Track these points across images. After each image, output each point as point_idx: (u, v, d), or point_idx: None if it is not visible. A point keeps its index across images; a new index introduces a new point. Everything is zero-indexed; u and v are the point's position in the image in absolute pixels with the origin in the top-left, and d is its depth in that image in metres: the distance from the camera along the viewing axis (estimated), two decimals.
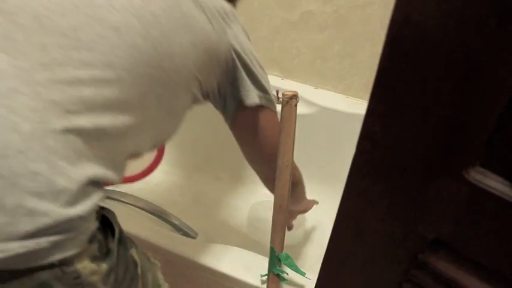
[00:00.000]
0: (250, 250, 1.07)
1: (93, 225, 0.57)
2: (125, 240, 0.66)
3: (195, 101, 0.77)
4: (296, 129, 1.51)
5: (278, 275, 0.94)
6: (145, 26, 0.60)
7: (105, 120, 0.56)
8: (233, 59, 0.77)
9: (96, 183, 0.57)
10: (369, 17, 1.36)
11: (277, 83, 1.61)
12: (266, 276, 0.96)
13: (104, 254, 0.59)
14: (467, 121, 0.33)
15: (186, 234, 1.11)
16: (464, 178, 0.36)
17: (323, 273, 0.58)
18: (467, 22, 0.29)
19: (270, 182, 0.92)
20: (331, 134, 1.53)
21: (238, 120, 0.86)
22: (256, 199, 1.47)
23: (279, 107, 0.83)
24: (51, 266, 0.52)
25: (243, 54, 0.78)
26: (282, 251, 0.93)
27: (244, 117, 0.85)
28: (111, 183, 0.61)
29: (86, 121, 0.54)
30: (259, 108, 0.82)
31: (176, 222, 1.12)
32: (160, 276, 0.80)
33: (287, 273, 0.96)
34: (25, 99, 0.49)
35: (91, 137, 0.55)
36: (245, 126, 0.87)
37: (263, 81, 0.82)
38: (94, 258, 0.57)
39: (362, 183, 0.44)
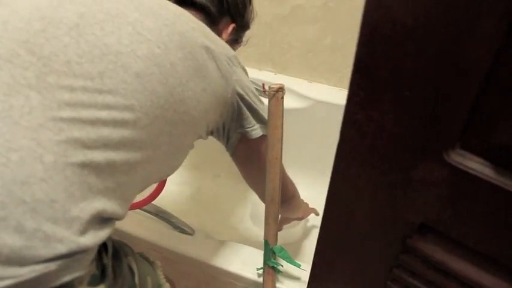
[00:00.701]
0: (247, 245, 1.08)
1: (96, 248, 0.60)
2: (118, 253, 0.68)
3: (199, 138, 0.81)
4: (291, 123, 1.52)
5: (273, 268, 0.94)
6: (164, 74, 0.65)
7: (118, 156, 0.60)
8: (237, 101, 0.83)
9: (106, 219, 0.60)
10: (358, 8, 1.36)
11: (270, 78, 1.61)
12: (262, 270, 0.97)
13: (100, 271, 0.61)
14: (445, 104, 0.33)
15: (183, 231, 1.11)
16: (445, 161, 0.36)
17: (317, 259, 0.59)
18: (439, 4, 0.29)
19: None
20: (326, 127, 1.53)
21: (241, 151, 0.91)
22: (254, 196, 1.47)
23: (266, 100, 0.86)
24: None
25: (246, 96, 0.83)
26: (275, 244, 0.94)
27: (246, 147, 0.90)
28: (118, 219, 0.64)
29: (100, 156, 0.58)
30: (260, 138, 0.87)
31: (173, 220, 1.13)
32: (161, 275, 0.82)
33: (282, 265, 0.96)
34: (50, 134, 0.54)
35: (104, 172, 0.58)
36: (247, 155, 0.93)
37: (263, 114, 0.88)
38: (92, 278, 0.59)
39: (348, 170, 0.44)
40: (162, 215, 1.12)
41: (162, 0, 0.76)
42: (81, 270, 0.56)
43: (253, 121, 0.86)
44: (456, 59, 0.31)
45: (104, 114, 0.58)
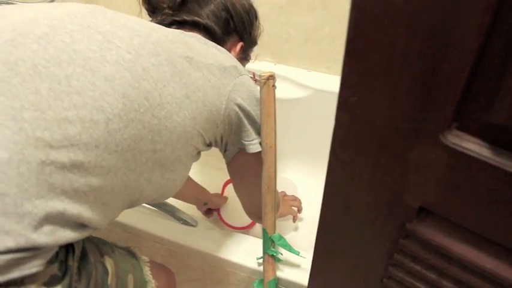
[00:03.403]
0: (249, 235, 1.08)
1: (55, 249, 0.60)
2: (87, 255, 0.67)
3: (197, 150, 0.81)
4: (291, 113, 1.52)
5: (273, 256, 0.95)
6: (136, 78, 0.65)
7: (88, 157, 0.59)
8: (236, 112, 0.82)
9: (70, 221, 0.59)
10: None
11: (270, 68, 1.60)
12: (262, 259, 0.97)
13: (63, 272, 0.61)
14: (438, 85, 0.33)
15: (186, 223, 1.11)
16: (442, 142, 0.36)
17: (317, 248, 0.59)
18: None
19: (253, 214, 1.01)
20: (326, 116, 1.52)
21: (236, 163, 0.92)
22: None
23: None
24: (8, 284, 0.54)
25: (247, 107, 0.82)
26: (274, 232, 0.94)
27: (242, 161, 0.91)
28: (90, 223, 0.62)
29: (65, 157, 0.57)
30: (257, 152, 0.87)
31: (176, 212, 1.13)
32: (147, 272, 0.81)
33: (281, 254, 0.97)
34: (9, 132, 0.54)
35: (71, 173, 0.58)
36: (242, 168, 0.94)
37: None
38: (51, 279, 0.59)
39: (344, 155, 0.44)
40: (165, 207, 1.12)
41: (140, 19, 0.77)
42: (32, 268, 0.55)
43: (253, 134, 0.85)
44: (447, 37, 0.30)
45: (70, 114, 0.58)
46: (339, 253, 0.57)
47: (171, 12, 0.92)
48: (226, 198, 1.50)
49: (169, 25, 0.91)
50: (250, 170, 0.93)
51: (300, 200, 1.39)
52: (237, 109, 0.82)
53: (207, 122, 0.77)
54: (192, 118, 0.74)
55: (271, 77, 0.80)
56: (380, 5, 0.31)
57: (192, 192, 1.33)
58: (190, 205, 1.40)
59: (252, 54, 1.10)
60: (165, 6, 0.92)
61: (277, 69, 1.59)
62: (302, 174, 1.65)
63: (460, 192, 0.39)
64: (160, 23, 0.90)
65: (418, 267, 0.48)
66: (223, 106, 0.79)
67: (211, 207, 1.45)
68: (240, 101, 0.81)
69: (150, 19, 0.95)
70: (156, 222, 1.11)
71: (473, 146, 0.35)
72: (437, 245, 0.44)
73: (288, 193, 1.41)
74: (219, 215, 1.46)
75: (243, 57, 1.05)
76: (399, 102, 0.35)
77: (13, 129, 0.54)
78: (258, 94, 0.83)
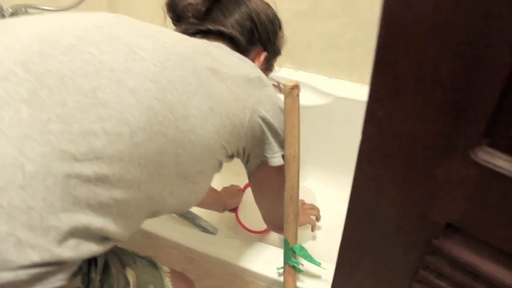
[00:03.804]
0: (269, 244, 1.07)
1: (79, 262, 0.59)
2: (109, 266, 0.67)
3: (219, 162, 0.81)
4: (311, 120, 1.51)
5: (294, 267, 0.94)
6: (161, 90, 0.65)
7: (112, 170, 0.59)
8: (260, 124, 0.82)
9: (95, 235, 0.59)
10: (378, 2, 1.34)
11: (290, 75, 1.60)
12: (282, 269, 0.96)
13: (86, 285, 0.61)
14: (469, 100, 0.32)
15: (205, 230, 1.12)
16: (472, 159, 0.35)
17: (340, 260, 0.58)
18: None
19: (273, 225, 1.02)
20: (347, 124, 1.52)
21: (258, 175, 0.92)
22: None
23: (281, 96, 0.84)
24: None
25: (270, 119, 0.82)
26: (295, 243, 0.93)
27: (264, 173, 0.90)
28: (114, 236, 0.62)
29: (90, 170, 0.57)
30: (280, 166, 0.87)
31: (196, 219, 1.13)
32: (167, 282, 0.82)
33: (302, 265, 0.96)
34: (36, 145, 0.54)
35: (96, 186, 0.58)
36: (263, 181, 0.94)
37: None
38: None
39: (370, 169, 0.43)
40: (185, 214, 1.12)
41: (165, 29, 0.77)
42: (56, 283, 0.55)
43: (276, 147, 0.85)
44: (480, 51, 0.29)
45: (95, 126, 0.58)
46: (361, 267, 0.57)
47: (195, 21, 0.92)
48: (241, 196, 1.48)
49: (193, 34, 0.91)
50: (271, 183, 0.92)
51: (318, 208, 1.38)
52: (261, 121, 0.81)
53: (230, 135, 0.77)
54: (216, 131, 0.73)
55: (296, 86, 0.79)
56: (410, 17, 0.30)
57: (210, 199, 1.33)
58: (210, 212, 1.40)
59: (275, 64, 1.10)
60: (189, 15, 0.92)
61: (298, 75, 1.59)
62: (320, 183, 1.64)
63: (489, 210, 0.37)
64: (184, 32, 0.91)
65: (443, 284, 0.47)
66: (247, 119, 0.79)
67: (228, 208, 1.45)
68: (264, 113, 0.81)
69: (174, 28, 0.95)
70: (176, 229, 1.12)
71: (504, 164, 0.34)
72: (464, 262, 0.43)
73: (307, 201, 1.40)
74: (237, 217, 1.46)
75: (267, 67, 1.04)
76: (428, 116, 0.35)
77: (40, 141, 0.54)
78: (281, 105, 0.83)
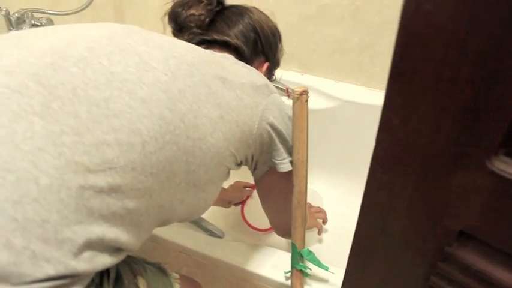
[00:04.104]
0: (274, 243, 1.07)
1: (92, 274, 0.59)
2: (121, 277, 0.67)
3: (228, 170, 0.81)
4: (318, 124, 1.51)
5: (301, 271, 0.94)
6: (172, 100, 0.66)
7: (124, 180, 0.59)
8: (268, 131, 0.82)
9: (108, 246, 0.59)
10: (386, 6, 1.34)
11: (297, 78, 1.60)
12: (290, 273, 0.96)
13: None
14: (487, 110, 0.32)
15: (212, 234, 1.12)
16: (488, 168, 0.35)
17: (350, 267, 0.58)
18: (479, 8, 0.28)
19: (280, 230, 1.03)
20: (354, 128, 1.52)
21: (265, 181, 0.92)
22: None
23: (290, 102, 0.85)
24: None
25: (278, 126, 0.83)
26: (303, 247, 0.93)
27: (272, 180, 0.91)
28: (126, 247, 0.63)
29: (104, 181, 0.57)
30: (287, 172, 0.87)
31: (203, 223, 1.13)
32: None
33: (310, 269, 0.96)
34: (49, 158, 0.54)
35: (110, 197, 0.58)
36: (271, 187, 0.94)
37: None
38: None
39: (383, 176, 0.43)
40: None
41: (174, 39, 0.77)
42: None
43: (284, 153, 0.85)
44: (499, 63, 0.29)
45: (108, 137, 0.58)
46: (371, 272, 0.56)
47: (199, 31, 0.93)
48: (246, 191, 1.48)
49: (198, 44, 0.91)
50: (279, 189, 0.93)
51: (325, 211, 1.38)
52: (269, 128, 0.82)
53: (239, 142, 0.77)
54: (226, 139, 0.74)
55: (305, 92, 0.80)
56: (429, 28, 0.30)
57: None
58: (217, 216, 1.40)
59: (278, 69, 1.12)
60: (192, 25, 0.93)
61: (304, 79, 1.59)
62: (326, 185, 1.64)
63: (504, 218, 0.37)
64: (187, 42, 0.91)
65: None
66: (256, 126, 0.80)
67: (233, 203, 1.45)
68: (272, 120, 0.81)
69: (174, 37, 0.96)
70: (183, 233, 1.12)
71: None
72: (478, 270, 0.43)
73: (313, 204, 1.39)
74: (243, 214, 1.45)
75: (268, 77, 1.05)
76: (445, 126, 0.35)
77: (53, 154, 0.54)
78: (289, 111, 0.83)
